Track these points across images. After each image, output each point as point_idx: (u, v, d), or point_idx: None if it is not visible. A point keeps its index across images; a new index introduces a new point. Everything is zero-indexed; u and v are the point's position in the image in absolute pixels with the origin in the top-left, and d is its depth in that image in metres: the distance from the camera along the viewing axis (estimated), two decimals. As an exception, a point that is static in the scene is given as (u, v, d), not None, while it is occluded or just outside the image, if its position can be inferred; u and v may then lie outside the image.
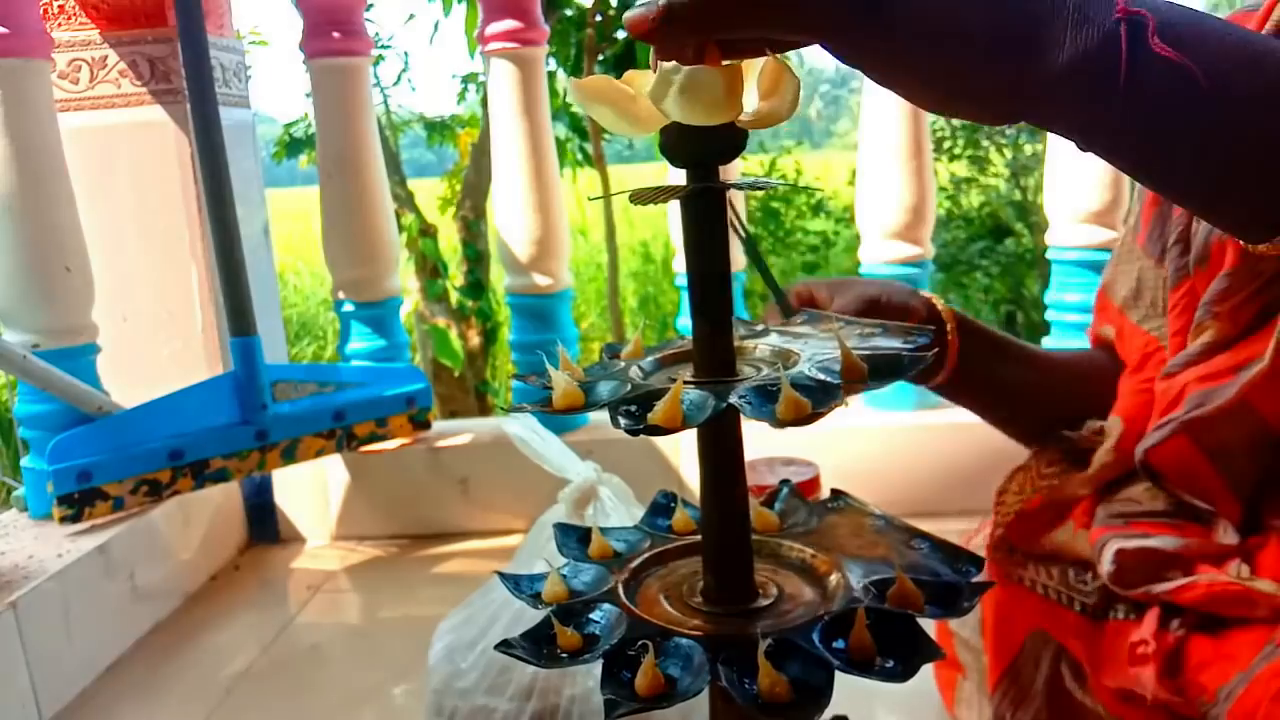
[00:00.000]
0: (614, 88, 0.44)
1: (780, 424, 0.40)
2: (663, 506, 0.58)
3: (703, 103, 0.41)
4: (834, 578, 0.48)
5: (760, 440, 1.42)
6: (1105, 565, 0.69)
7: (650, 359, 0.50)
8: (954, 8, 0.38)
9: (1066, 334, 1.52)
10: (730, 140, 0.43)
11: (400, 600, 1.38)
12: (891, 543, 0.52)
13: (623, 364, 0.49)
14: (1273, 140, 0.40)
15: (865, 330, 0.50)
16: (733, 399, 0.41)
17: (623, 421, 0.41)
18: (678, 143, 0.44)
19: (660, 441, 1.52)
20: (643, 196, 0.44)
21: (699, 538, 0.53)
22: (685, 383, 0.42)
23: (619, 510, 0.97)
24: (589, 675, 0.89)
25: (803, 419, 0.40)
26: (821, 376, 0.43)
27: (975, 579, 0.48)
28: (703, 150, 0.44)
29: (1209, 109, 0.40)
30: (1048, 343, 1.54)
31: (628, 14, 0.39)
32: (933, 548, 0.51)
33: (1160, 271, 0.75)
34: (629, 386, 0.44)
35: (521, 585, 0.50)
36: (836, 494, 0.59)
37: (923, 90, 0.42)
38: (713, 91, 0.40)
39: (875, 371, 0.43)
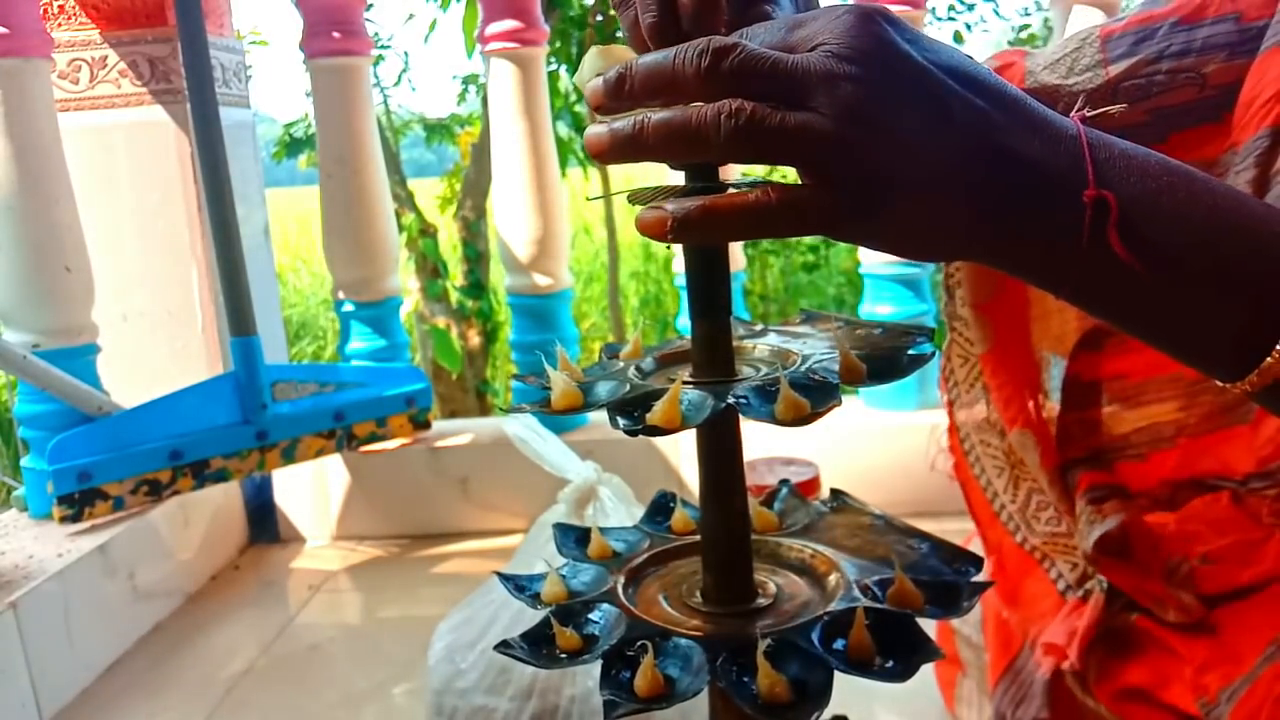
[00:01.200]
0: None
1: (779, 424, 0.40)
2: (662, 506, 0.58)
3: None
4: (833, 577, 0.48)
5: (760, 440, 1.42)
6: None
7: (649, 359, 0.50)
8: (938, 208, 0.39)
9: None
10: None
11: (400, 600, 1.38)
12: (890, 542, 0.52)
13: (622, 364, 0.49)
14: (1226, 313, 0.40)
15: (863, 330, 0.50)
16: (731, 399, 0.41)
17: (621, 422, 0.41)
18: None
19: (660, 442, 1.52)
20: (641, 197, 0.44)
21: (698, 538, 0.53)
22: (684, 383, 0.42)
23: (619, 510, 0.97)
24: (589, 675, 0.89)
25: (802, 419, 0.40)
26: (820, 376, 0.43)
27: (974, 579, 0.48)
28: None
29: (1163, 300, 0.40)
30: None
31: (641, 216, 0.41)
32: (932, 548, 0.51)
33: None
34: (628, 387, 0.44)
35: (521, 586, 0.50)
36: (835, 494, 0.59)
37: (895, 254, 0.43)
38: None
39: (874, 372, 0.43)
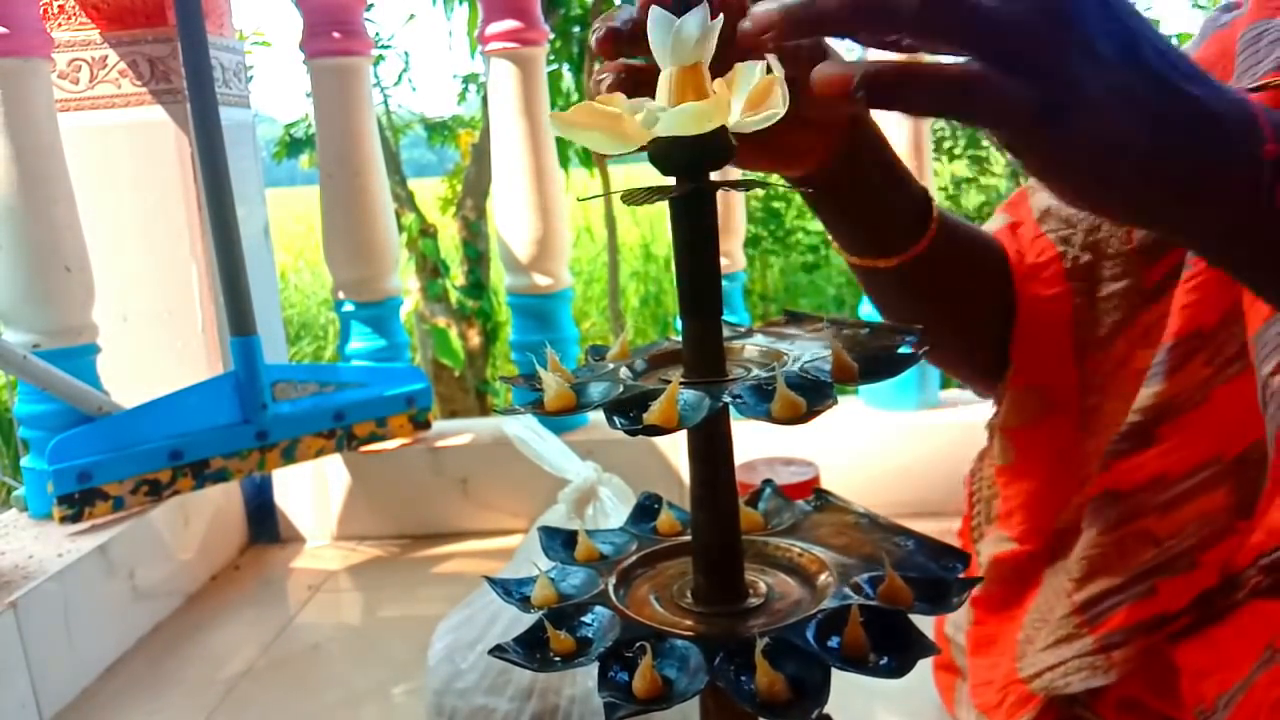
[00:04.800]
0: (596, 112, 0.43)
1: (776, 423, 0.40)
2: (647, 508, 0.57)
3: (692, 119, 0.41)
4: (823, 576, 0.48)
5: (760, 440, 1.42)
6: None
7: (639, 360, 0.50)
8: (1119, 129, 0.38)
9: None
10: (720, 144, 0.43)
11: (400, 600, 1.38)
12: (877, 540, 0.51)
13: (611, 365, 0.50)
14: None
15: (850, 330, 0.50)
16: (728, 398, 0.41)
17: (619, 422, 0.41)
18: (667, 150, 0.44)
19: (660, 442, 1.52)
20: (635, 197, 0.44)
21: (686, 539, 0.53)
22: (680, 383, 0.42)
23: (619, 510, 0.97)
24: (589, 676, 0.89)
25: (799, 418, 0.40)
26: (815, 375, 0.43)
27: (961, 574, 0.48)
28: (693, 156, 0.44)
29: None
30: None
31: (820, 72, 0.39)
32: (918, 544, 0.51)
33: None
34: (621, 388, 0.44)
35: (510, 589, 0.50)
36: (820, 493, 0.59)
37: (1073, 193, 0.42)
38: (698, 120, 0.41)
39: (867, 371, 0.43)
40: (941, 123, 4.35)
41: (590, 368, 0.50)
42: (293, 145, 4.29)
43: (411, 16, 4.09)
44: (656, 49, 0.43)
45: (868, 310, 1.57)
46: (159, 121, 1.46)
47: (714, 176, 0.46)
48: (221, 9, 1.55)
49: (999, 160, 4.38)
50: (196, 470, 1.34)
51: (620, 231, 4.35)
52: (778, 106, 0.43)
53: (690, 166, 0.45)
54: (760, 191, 4.84)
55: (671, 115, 0.41)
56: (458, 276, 3.92)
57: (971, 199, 4.52)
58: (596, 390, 0.44)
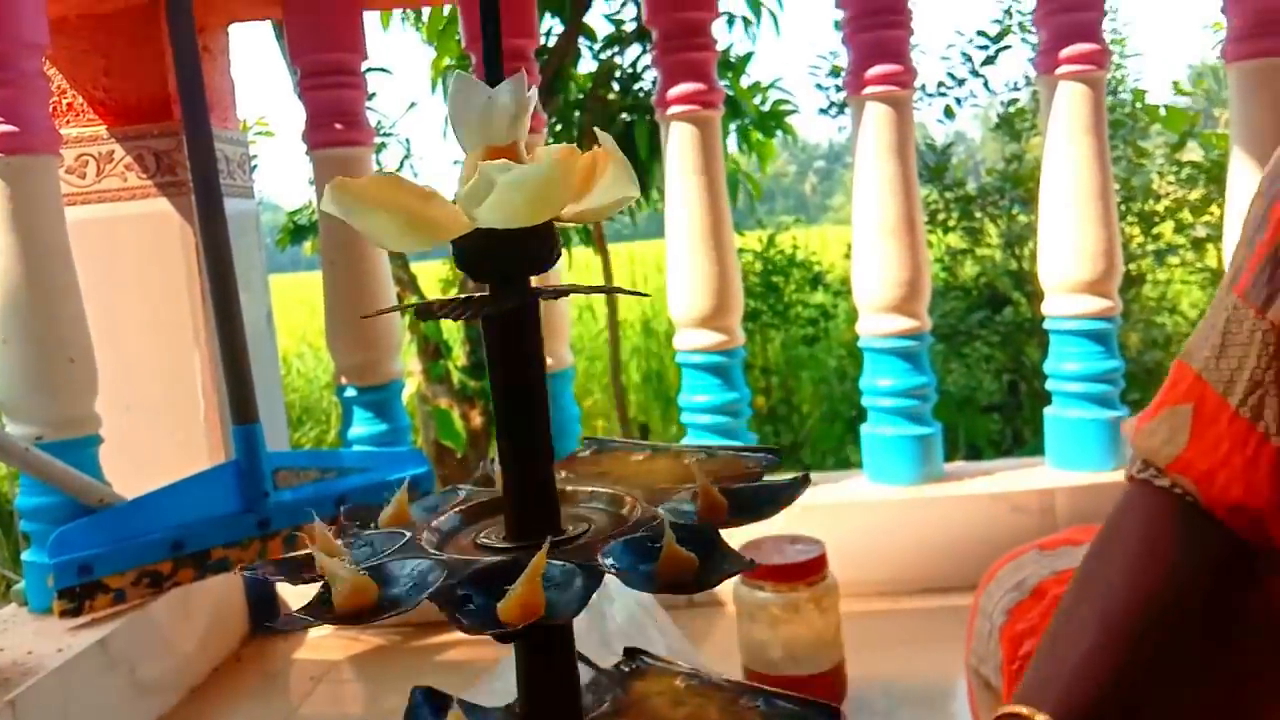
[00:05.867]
0: (404, 187, 0.36)
1: (660, 590, 0.33)
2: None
3: (529, 202, 0.33)
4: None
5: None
6: None
7: (446, 515, 0.40)
8: None
9: (1067, 403, 1.52)
10: (545, 246, 0.36)
11: (404, 690, 1.35)
12: (720, 704, 0.42)
13: (398, 530, 0.39)
14: None
15: (687, 458, 0.43)
16: (606, 566, 0.33)
17: (466, 623, 0.32)
18: (482, 255, 0.36)
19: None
20: (431, 311, 0.36)
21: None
22: (548, 553, 0.33)
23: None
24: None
25: (693, 579, 0.33)
26: (687, 522, 0.36)
27: None
28: (515, 261, 0.36)
29: None
30: (1049, 412, 1.54)
31: None
32: (769, 701, 0.42)
33: (1260, 324, 0.53)
34: (440, 568, 0.34)
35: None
36: (631, 653, 0.47)
37: None
38: (547, 189, 0.33)
39: (739, 509, 0.37)
40: (935, 194, 4.40)
41: (371, 539, 0.39)
42: (296, 232, 4.33)
43: (412, 105, 4.16)
44: (461, 124, 0.36)
45: (867, 382, 1.57)
46: (164, 213, 1.48)
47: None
48: (226, 102, 1.59)
49: (993, 231, 4.42)
50: (198, 561, 1.32)
51: (621, 308, 4.38)
52: (628, 190, 0.36)
53: (509, 269, 0.37)
54: (756, 264, 4.88)
55: (511, 181, 0.32)
56: (459, 357, 3.93)
57: (967, 270, 4.55)
58: (405, 572, 0.35)
